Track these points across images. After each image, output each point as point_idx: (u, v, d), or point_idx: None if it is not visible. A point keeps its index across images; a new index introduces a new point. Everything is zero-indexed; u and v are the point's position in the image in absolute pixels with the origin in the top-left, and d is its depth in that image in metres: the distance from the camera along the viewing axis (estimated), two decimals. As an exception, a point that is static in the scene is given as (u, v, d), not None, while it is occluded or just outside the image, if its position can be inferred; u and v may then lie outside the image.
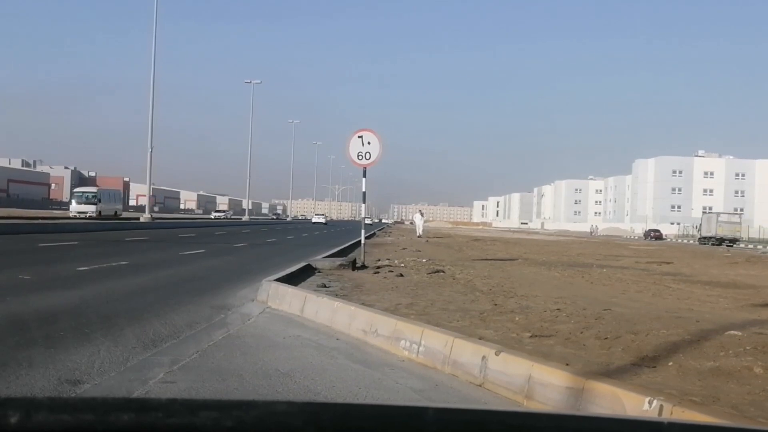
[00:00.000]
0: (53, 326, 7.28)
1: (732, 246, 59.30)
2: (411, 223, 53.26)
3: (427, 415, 1.25)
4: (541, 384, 4.94)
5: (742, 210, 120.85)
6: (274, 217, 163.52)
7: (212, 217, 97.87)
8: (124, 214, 68.09)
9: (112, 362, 5.86)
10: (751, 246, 61.56)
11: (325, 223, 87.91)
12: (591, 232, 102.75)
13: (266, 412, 1.18)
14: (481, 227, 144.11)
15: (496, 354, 5.50)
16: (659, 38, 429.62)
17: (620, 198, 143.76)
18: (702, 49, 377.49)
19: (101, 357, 6.01)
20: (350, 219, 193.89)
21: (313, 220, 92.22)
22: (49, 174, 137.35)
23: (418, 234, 45.81)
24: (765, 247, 57.89)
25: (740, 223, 68.68)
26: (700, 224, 72.57)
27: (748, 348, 6.38)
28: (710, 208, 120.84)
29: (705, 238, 66.58)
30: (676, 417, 3.80)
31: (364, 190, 16.99)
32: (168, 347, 6.68)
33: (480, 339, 6.41)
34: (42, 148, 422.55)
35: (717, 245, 59.58)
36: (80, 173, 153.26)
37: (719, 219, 68.02)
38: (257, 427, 1.16)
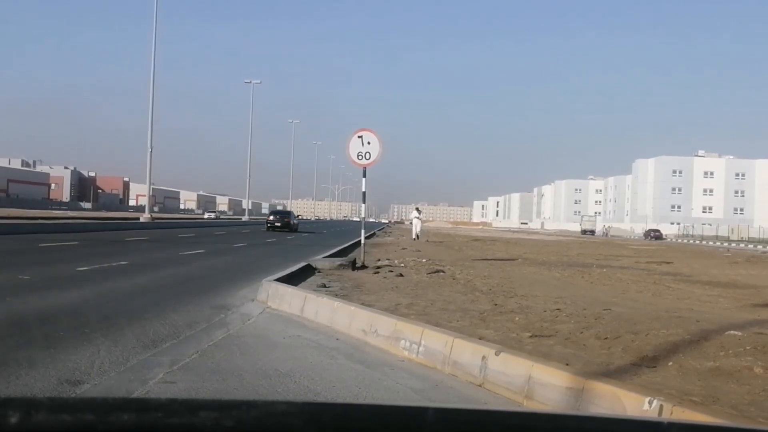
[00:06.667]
0: (53, 326, 7.28)
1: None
2: (410, 222, 50.52)
3: (427, 415, 1.25)
4: (541, 384, 4.94)
5: (742, 210, 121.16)
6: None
7: (205, 217, 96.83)
8: (124, 215, 70.00)
9: (112, 362, 5.86)
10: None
11: (359, 221, 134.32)
12: (604, 233, 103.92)
13: (266, 412, 1.18)
14: (481, 227, 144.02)
15: (496, 354, 5.50)
16: (659, 38, 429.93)
17: (620, 198, 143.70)
18: (702, 48, 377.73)
19: (101, 357, 6.01)
20: (343, 219, 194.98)
21: (355, 219, 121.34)
22: (48, 174, 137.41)
23: (413, 236, 38.30)
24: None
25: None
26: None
27: (748, 348, 6.38)
28: (710, 209, 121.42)
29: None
30: (676, 417, 3.80)
31: (364, 190, 16.99)
32: (168, 347, 6.68)
33: (480, 339, 6.41)
34: (42, 148, 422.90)
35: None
36: (80, 173, 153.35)
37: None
38: (257, 427, 1.16)
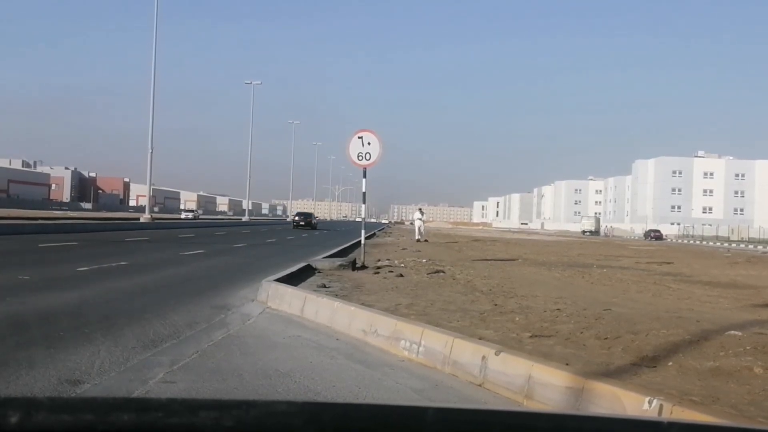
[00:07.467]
0: (53, 326, 7.28)
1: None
2: (411, 223, 50.35)
3: (427, 415, 1.25)
4: (541, 384, 4.94)
5: (742, 210, 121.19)
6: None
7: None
8: (125, 215, 70.24)
9: (112, 362, 5.86)
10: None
11: (359, 221, 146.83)
12: (606, 233, 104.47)
13: (266, 412, 1.19)
14: (481, 227, 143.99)
15: (496, 354, 5.50)
16: (660, 38, 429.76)
17: (620, 198, 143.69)
18: (702, 48, 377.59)
19: (101, 357, 6.01)
20: (343, 219, 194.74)
21: (357, 219, 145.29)
22: (49, 174, 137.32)
23: (416, 236, 37.84)
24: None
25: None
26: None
27: (748, 348, 6.38)
28: (710, 209, 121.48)
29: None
30: (676, 417, 3.80)
31: (364, 190, 16.99)
32: (168, 347, 6.68)
33: (480, 339, 6.41)
34: (42, 148, 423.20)
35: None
36: (80, 174, 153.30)
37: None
38: (257, 427, 1.16)
